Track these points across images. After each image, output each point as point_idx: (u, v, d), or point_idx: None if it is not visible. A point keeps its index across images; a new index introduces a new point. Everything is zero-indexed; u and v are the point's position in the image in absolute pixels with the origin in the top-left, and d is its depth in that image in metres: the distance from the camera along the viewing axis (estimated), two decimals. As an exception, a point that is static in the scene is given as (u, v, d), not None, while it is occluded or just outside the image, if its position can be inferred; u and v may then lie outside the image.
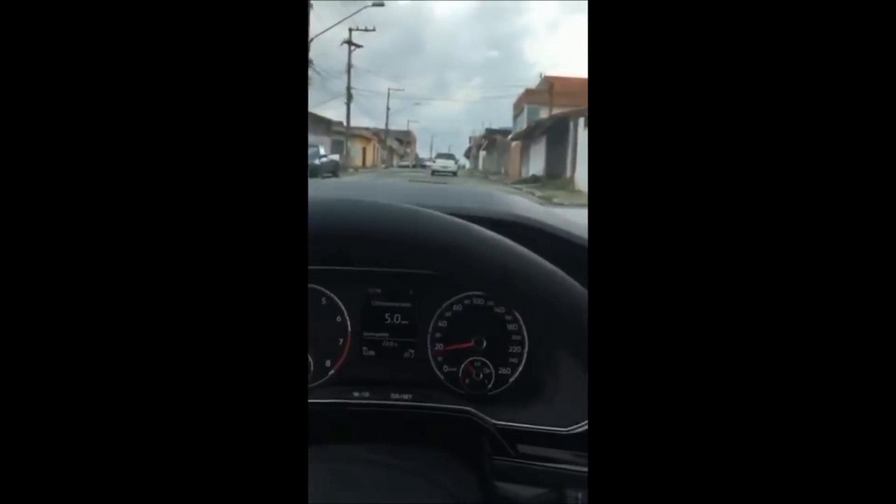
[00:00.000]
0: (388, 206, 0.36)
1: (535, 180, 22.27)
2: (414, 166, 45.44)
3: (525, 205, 0.79)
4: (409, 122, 78.13)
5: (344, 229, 0.35)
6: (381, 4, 23.85)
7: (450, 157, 32.93)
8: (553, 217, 0.71)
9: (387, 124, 51.43)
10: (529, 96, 32.01)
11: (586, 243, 0.62)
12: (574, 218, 0.73)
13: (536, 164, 25.15)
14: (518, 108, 35.23)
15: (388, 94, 50.37)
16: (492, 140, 48.40)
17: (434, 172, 28.28)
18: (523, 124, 31.00)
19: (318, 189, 0.88)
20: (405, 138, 78.95)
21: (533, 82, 35.46)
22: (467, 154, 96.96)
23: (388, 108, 50.75)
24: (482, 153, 59.27)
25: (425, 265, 0.36)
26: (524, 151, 30.57)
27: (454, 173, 29.45)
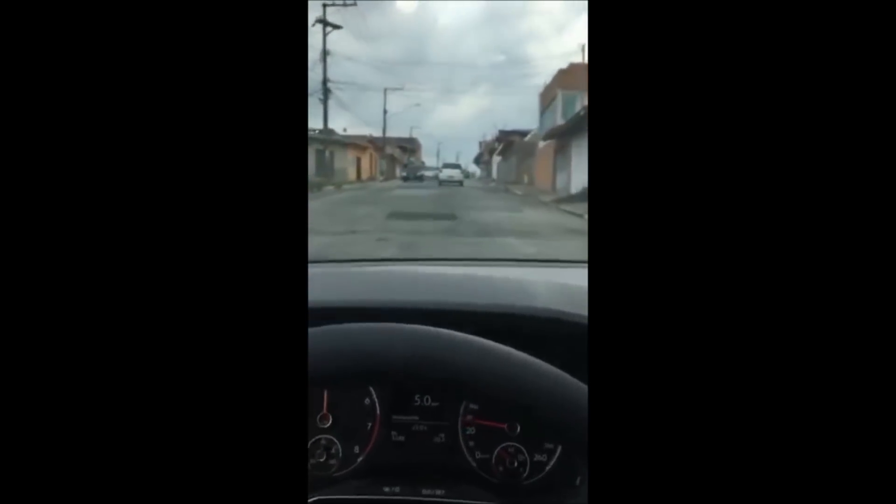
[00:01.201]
0: (408, 331, 0.36)
1: (575, 198, 14.75)
2: (406, 178, 37.48)
3: (548, 293, 0.75)
4: (412, 128, 70.86)
5: (361, 357, 0.36)
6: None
7: (456, 166, 33.73)
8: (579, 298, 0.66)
9: (384, 129, 44.10)
10: (564, 80, 24.15)
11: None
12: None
13: (580, 171, 17.65)
14: (547, 98, 27.45)
15: (385, 95, 43.10)
16: (508, 143, 40.94)
17: (441, 183, 28.92)
18: (556, 118, 23.47)
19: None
20: (409, 146, 71.68)
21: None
22: (478, 160, 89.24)
23: (384, 112, 43.44)
24: (496, 159, 51.67)
25: (445, 393, 0.36)
26: (558, 155, 23.00)
27: (460, 183, 30.22)
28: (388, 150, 62.32)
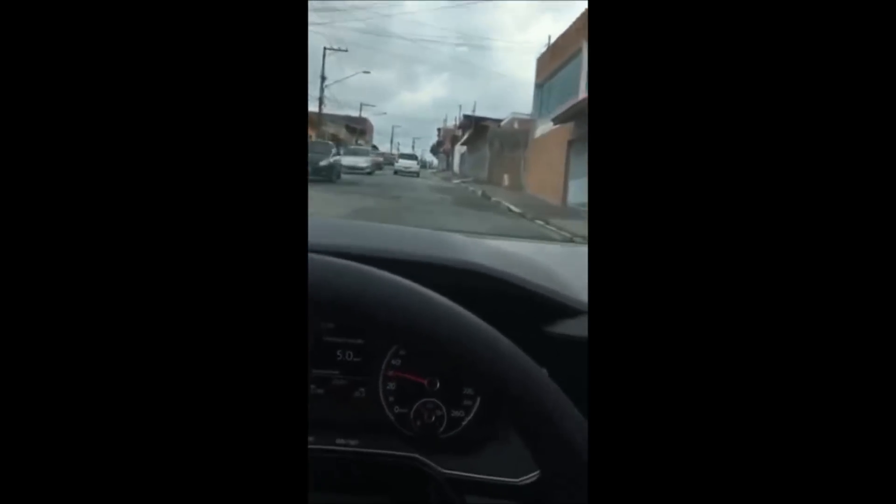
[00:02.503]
0: (331, 265, 0.36)
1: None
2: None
3: (485, 250, 0.75)
4: (362, 105, 60.71)
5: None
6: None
7: (412, 157, 34.44)
8: (514, 265, 0.68)
9: (320, 101, 33.95)
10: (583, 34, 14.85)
11: (548, 290, 0.64)
12: (541, 255, 0.69)
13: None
14: (556, 61, 17.88)
15: (324, 54, 33.11)
16: (478, 130, 31.80)
17: (396, 172, 29.31)
18: (576, 88, 14.40)
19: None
20: (358, 126, 61.77)
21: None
22: (435, 150, 79.76)
23: (322, 79, 33.40)
24: (460, 149, 42.40)
25: (372, 329, 0.36)
26: (575, 148, 13.93)
27: (416, 174, 30.52)
28: (333, 130, 52.37)
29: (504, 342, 0.36)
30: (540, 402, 0.35)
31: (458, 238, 0.82)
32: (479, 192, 18.53)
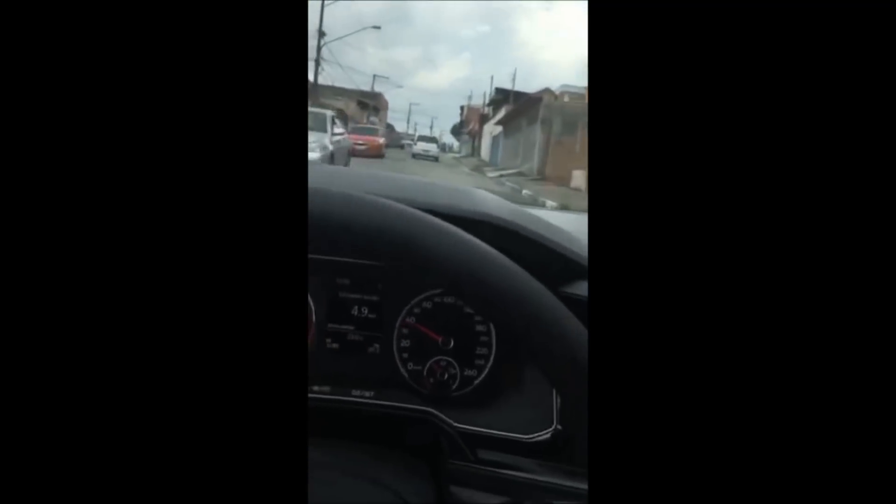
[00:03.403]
0: (351, 195, 0.36)
1: None
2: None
3: (504, 206, 0.74)
4: (374, 76, 52.89)
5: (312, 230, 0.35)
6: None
7: (432, 140, 32.58)
8: (533, 222, 0.68)
9: (317, 65, 26.35)
10: None
11: (568, 251, 0.64)
12: (560, 222, 0.74)
13: None
14: None
15: (322, 9, 25.39)
16: (522, 105, 23.98)
17: (415, 156, 27.35)
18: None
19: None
20: (371, 102, 54.13)
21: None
22: (457, 131, 71.41)
23: (320, 35, 25.73)
24: (493, 130, 34.44)
25: (388, 258, 0.36)
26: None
27: (436, 158, 28.18)
28: (340, 103, 44.85)
29: (532, 281, 0.36)
30: (563, 335, 0.35)
31: (480, 193, 0.77)
32: (551, 205, 10.34)
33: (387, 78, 61.21)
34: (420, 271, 0.35)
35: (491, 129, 33.20)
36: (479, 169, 24.95)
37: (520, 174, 19.46)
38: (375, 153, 20.56)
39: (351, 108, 47.91)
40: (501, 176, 19.12)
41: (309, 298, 0.71)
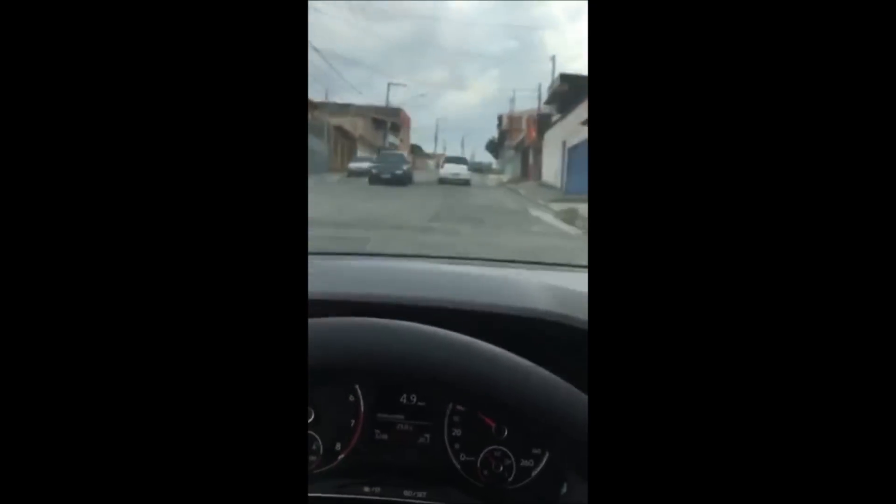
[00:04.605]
0: (403, 329, 0.37)
1: None
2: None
3: (557, 298, 0.73)
4: (389, 85, 42.05)
5: (352, 353, 0.36)
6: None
7: (461, 160, 26.70)
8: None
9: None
10: None
11: None
12: None
13: None
14: None
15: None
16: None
17: (442, 181, 22.64)
18: None
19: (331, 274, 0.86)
20: (389, 118, 43.38)
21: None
22: (494, 147, 59.43)
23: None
24: (563, 137, 22.37)
25: (437, 395, 0.39)
26: None
27: (467, 181, 23.14)
28: (348, 121, 34.16)
29: (567, 388, 0.36)
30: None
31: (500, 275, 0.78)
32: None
33: (404, 85, 49.97)
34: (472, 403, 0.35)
35: (562, 133, 21.10)
36: (546, 198, 13.35)
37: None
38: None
39: (359, 126, 37.27)
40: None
41: (356, 386, 0.68)
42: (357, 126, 35.18)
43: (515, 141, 37.66)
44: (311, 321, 0.35)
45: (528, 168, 30.45)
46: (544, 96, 28.54)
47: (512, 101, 48.45)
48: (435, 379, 0.36)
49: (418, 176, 24.92)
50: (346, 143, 32.80)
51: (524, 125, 35.32)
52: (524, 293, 0.74)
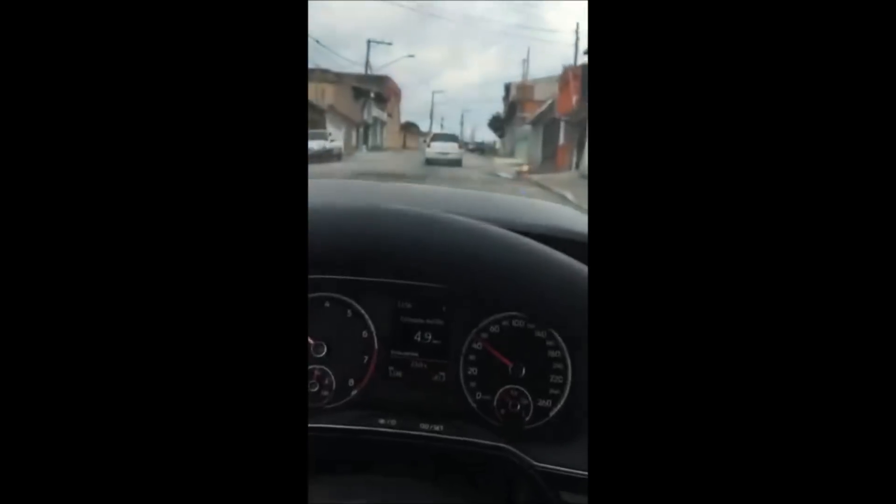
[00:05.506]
0: (412, 213, 0.36)
1: None
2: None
3: (576, 219, 0.72)
4: (369, 42, 33.34)
5: (364, 237, 0.35)
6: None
7: (451, 137, 24.56)
8: None
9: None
10: None
11: None
12: None
13: None
14: None
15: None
16: None
17: (429, 161, 21.18)
18: None
19: (347, 191, 0.90)
20: (372, 87, 34.68)
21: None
22: (498, 125, 50.28)
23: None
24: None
25: (451, 278, 0.36)
26: None
27: (458, 162, 21.69)
28: (312, 87, 25.63)
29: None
30: None
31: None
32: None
33: (389, 44, 40.81)
34: (491, 291, 0.35)
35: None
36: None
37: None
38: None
39: (328, 95, 28.69)
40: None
41: (370, 323, 0.68)
42: (325, 94, 26.59)
43: (532, 114, 28.95)
44: (315, 207, 0.34)
45: (558, 150, 21.77)
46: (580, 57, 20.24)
47: (525, 62, 39.38)
48: (451, 264, 0.34)
49: (408, 161, 21.60)
50: (310, 116, 24.39)
51: (522, 99, 26.74)
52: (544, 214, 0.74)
